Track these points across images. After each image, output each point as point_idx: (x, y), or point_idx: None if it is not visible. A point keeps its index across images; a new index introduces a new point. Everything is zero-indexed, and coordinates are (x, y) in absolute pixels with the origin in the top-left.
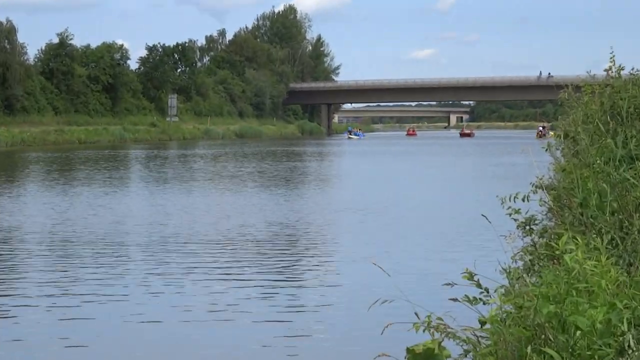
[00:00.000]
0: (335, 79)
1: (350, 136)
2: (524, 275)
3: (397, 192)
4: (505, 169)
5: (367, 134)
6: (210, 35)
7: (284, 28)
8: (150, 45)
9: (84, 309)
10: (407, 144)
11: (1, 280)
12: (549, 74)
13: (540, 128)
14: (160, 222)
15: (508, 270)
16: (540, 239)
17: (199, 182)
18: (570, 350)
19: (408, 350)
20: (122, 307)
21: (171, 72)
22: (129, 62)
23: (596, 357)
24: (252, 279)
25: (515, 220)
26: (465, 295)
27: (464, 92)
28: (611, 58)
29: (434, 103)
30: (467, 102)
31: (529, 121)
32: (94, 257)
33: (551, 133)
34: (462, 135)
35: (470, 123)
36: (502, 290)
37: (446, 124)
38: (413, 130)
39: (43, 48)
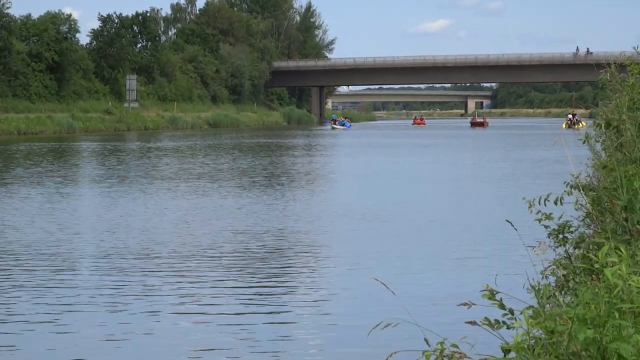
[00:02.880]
0: (329, 56)
1: (335, 126)
2: (557, 293)
3: (401, 193)
4: (533, 166)
5: (368, 123)
6: (177, 4)
7: None
8: (104, 15)
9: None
10: (402, 135)
11: None
12: (588, 49)
13: (570, 116)
14: (112, 231)
15: (537, 288)
16: (576, 250)
17: (164, 181)
18: None
19: None
20: (76, 325)
21: (130, 48)
22: (78, 35)
23: None
24: (231, 299)
25: (545, 227)
26: (486, 317)
27: (484, 73)
28: None
29: (448, 86)
30: (488, 85)
31: (562, 107)
32: (29, 272)
33: (582, 123)
34: (474, 124)
35: (492, 110)
36: (530, 311)
37: (463, 111)
38: (421, 119)
39: None
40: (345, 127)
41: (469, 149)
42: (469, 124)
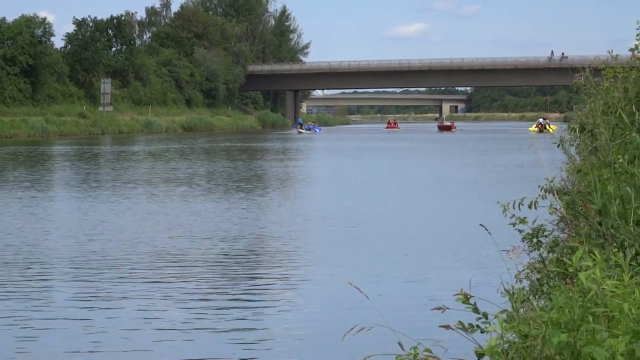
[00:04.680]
0: (304, 60)
1: (301, 130)
2: (531, 297)
3: (375, 198)
4: (507, 170)
5: (343, 127)
6: (152, 7)
7: None
8: (79, 18)
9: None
10: (375, 139)
11: None
12: (563, 54)
13: (541, 120)
14: (86, 236)
15: (511, 292)
16: (550, 254)
17: (138, 186)
18: None
19: None
20: (50, 336)
21: (104, 52)
22: (53, 39)
23: None
24: (203, 303)
25: (520, 231)
26: (460, 321)
27: (459, 76)
28: (638, 35)
29: (423, 90)
30: (463, 89)
31: (537, 111)
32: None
33: (552, 127)
34: (441, 128)
35: (467, 113)
36: (504, 315)
37: (437, 115)
38: (394, 123)
39: None
40: (317, 131)
41: (441, 153)
42: (437, 128)
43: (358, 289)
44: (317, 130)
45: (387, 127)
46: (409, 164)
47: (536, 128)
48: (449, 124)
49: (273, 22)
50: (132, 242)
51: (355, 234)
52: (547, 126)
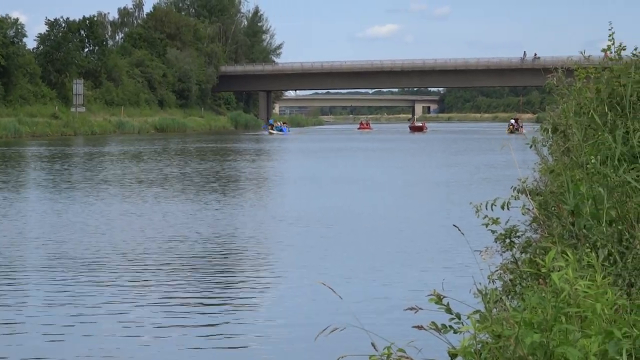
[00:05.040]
0: (276, 60)
1: (272, 131)
2: (503, 297)
3: (348, 199)
4: (479, 171)
5: (315, 128)
6: (124, 8)
7: None
8: (52, 19)
9: None
10: (347, 140)
11: None
12: (535, 54)
13: (513, 121)
14: (57, 238)
15: (484, 292)
16: (523, 255)
17: (110, 187)
18: None
19: None
20: (20, 340)
21: (77, 53)
22: (25, 40)
23: None
24: (174, 305)
25: (492, 232)
26: (433, 322)
27: (432, 77)
28: (610, 36)
29: (396, 90)
30: (435, 89)
31: (509, 112)
32: None
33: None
34: (413, 129)
35: (440, 114)
36: (477, 316)
37: (410, 116)
38: (367, 124)
39: None
40: (283, 133)
41: (413, 154)
42: (409, 129)
43: (332, 289)
44: (284, 131)
45: (360, 128)
46: (381, 164)
47: (508, 130)
48: (421, 124)
49: (245, 22)
50: (104, 244)
51: (328, 235)
52: (519, 128)
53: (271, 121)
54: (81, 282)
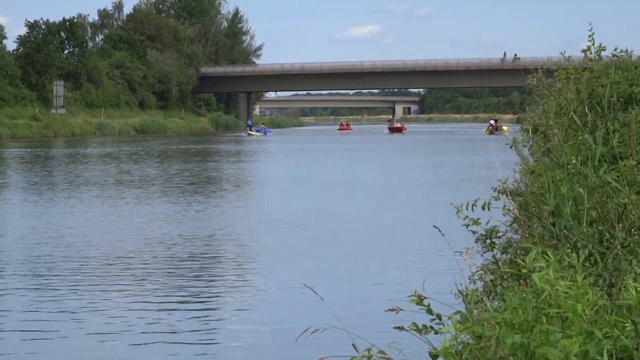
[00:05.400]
0: (257, 62)
1: (251, 132)
2: (484, 298)
3: (329, 200)
4: (459, 171)
5: (295, 129)
6: (104, 9)
7: (193, 0)
8: (31, 21)
9: None
10: (328, 141)
11: None
12: (515, 55)
13: (492, 122)
14: (38, 240)
15: (465, 293)
16: (504, 255)
17: (91, 189)
18: None
19: None
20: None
21: (57, 54)
22: (5, 42)
23: None
24: (155, 307)
25: (473, 232)
26: (413, 323)
27: (412, 78)
28: (590, 36)
29: (376, 91)
30: (416, 90)
31: (490, 112)
32: None
33: (504, 128)
34: (392, 130)
35: (420, 115)
36: (458, 316)
37: (390, 117)
38: (347, 124)
39: None
40: (266, 133)
41: (393, 155)
42: (388, 130)
43: (313, 290)
44: (267, 133)
45: (340, 129)
46: (361, 165)
47: (487, 130)
48: (400, 125)
49: (226, 24)
50: (84, 246)
51: (310, 237)
52: (498, 128)
53: (249, 122)
54: (60, 286)
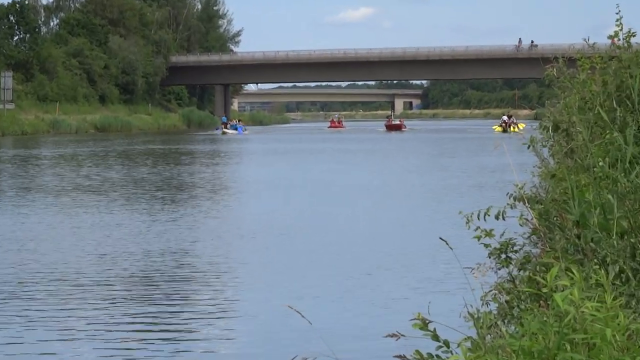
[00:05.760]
0: (235, 49)
1: (226, 130)
2: (499, 322)
3: (318, 209)
4: (470, 175)
5: (279, 126)
6: None
7: None
8: None
9: None
10: (315, 140)
11: None
12: (532, 42)
13: (505, 118)
14: None
15: (476, 316)
16: (521, 272)
17: (45, 196)
18: None
19: None
20: None
21: (5, 41)
22: None
23: None
24: (123, 331)
25: (485, 245)
26: (417, 350)
27: (414, 68)
28: (618, 20)
29: (373, 83)
30: (418, 82)
31: (503, 107)
32: None
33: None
34: (390, 127)
35: (423, 110)
36: (468, 343)
37: (389, 112)
38: (339, 122)
39: None
40: (238, 132)
41: (392, 156)
42: (384, 128)
43: (300, 313)
44: (239, 132)
45: (331, 127)
46: (354, 169)
47: (500, 127)
48: (398, 122)
49: (199, 6)
50: (34, 262)
51: (296, 251)
52: (511, 126)
53: (224, 119)
54: (5, 306)
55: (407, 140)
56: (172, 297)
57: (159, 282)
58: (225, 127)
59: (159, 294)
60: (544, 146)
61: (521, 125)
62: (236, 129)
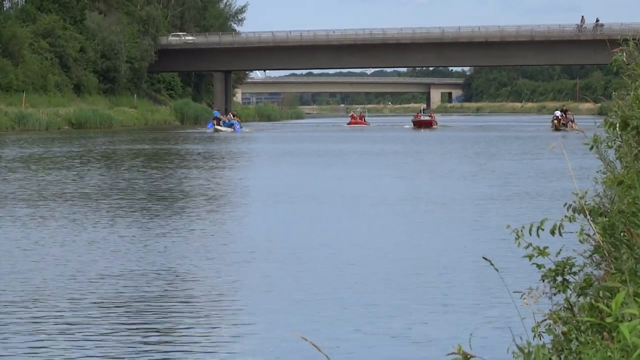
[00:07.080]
0: (238, 29)
1: (218, 127)
2: (554, 358)
3: (335, 222)
4: (520, 182)
5: (289, 122)
6: None
7: None
8: None
9: None
10: (328, 139)
11: None
12: (597, 21)
13: (558, 113)
14: None
15: (527, 350)
16: (581, 298)
17: (11, 205)
18: None
19: None
20: None
21: None
22: None
23: None
24: None
25: (538, 266)
26: None
27: (453, 52)
28: None
29: (404, 70)
30: (459, 69)
31: (562, 100)
32: None
33: (574, 127)
34: (418, 124)
35: (465, 103)
36: None
37: (424, 105)
38: (360, 117)
39: None
40: (237, 130)
41: (422, 158)
42: (411, 124)
43: (314, 344)
44: (237, 129)
45: (351, 123)
46: (379, 173)
47: (552, 125)
48: (428, 118)
49: None
50: (4, 280)
51: (307, 271)
52: (567, 123)
53: (216, 113)
54: None
55: (440, 139)
56: (159, 323)
57: (144, 307)
58: (218, 124)
59: (147, 318)
60: (610, 147)
61: (575, 127)
62: (232, 125)
